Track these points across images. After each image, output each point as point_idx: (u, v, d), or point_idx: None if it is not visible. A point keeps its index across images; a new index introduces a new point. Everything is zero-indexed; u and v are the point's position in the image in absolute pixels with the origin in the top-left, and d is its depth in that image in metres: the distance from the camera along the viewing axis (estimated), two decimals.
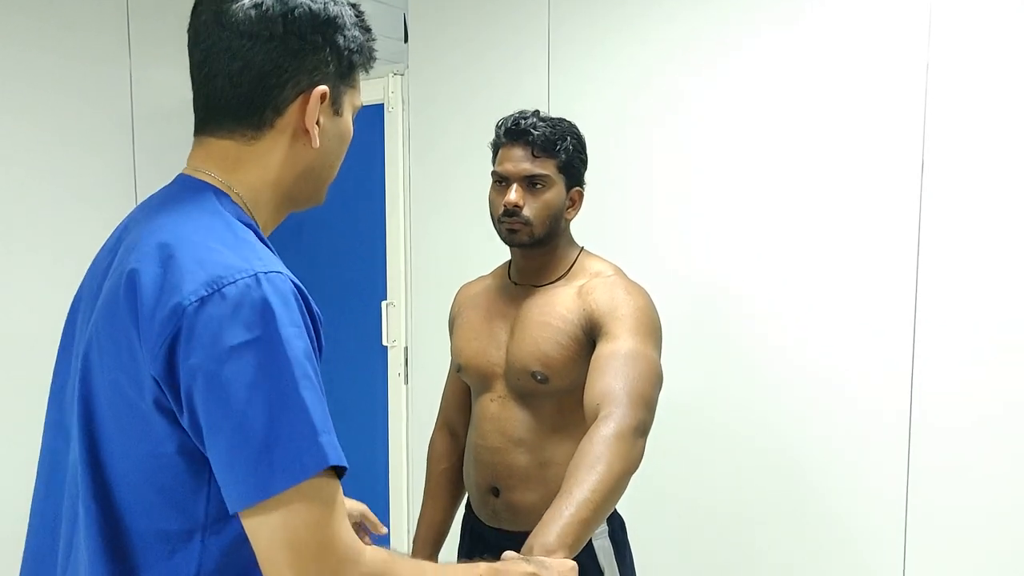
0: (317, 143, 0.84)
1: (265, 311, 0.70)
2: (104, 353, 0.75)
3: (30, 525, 0.88)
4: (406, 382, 2.95)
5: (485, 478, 1.43)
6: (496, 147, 1.45)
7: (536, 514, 1.39)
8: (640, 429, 1.19)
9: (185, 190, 0.83)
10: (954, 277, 1.84)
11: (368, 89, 2.98)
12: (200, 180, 0.84)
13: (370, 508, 3.51)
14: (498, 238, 1.46)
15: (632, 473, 1.17)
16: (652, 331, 1.32)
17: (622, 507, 1.48)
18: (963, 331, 1.84)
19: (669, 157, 2.24)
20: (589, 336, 1.35)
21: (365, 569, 0.72)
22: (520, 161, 1.40)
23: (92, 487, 0.76)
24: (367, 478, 3.19)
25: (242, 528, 0.79)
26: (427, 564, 0.88)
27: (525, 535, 1.42)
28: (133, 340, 0.72)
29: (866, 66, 1.92)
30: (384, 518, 3.11)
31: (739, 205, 2.13)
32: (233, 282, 0.70)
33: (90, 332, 0.78)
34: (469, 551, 1.51)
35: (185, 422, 0.72)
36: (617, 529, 1.44)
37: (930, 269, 1.87)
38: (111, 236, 0.89)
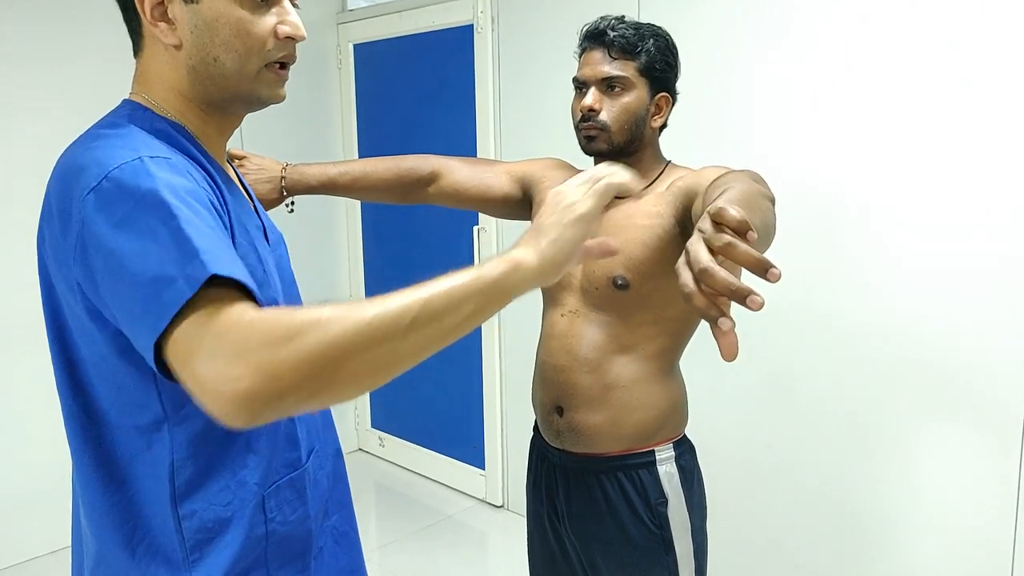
0: (170, 40, 0.82)
1: (140, 182, 0.71)
2: (52, 268, 0.79)
3: None
4: None
5: (550, 396, 1.41)
6: (580, 56, 1.39)
7: (598, 436, 1.37)
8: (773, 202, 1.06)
9: (113, 112, 0.86)
10: None
11: (457, 9, 2.92)
12: (128, 99, 0.87)
13: (464, 438, 3.51)
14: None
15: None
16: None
17: (698, 432, 1.43)
18: None
19: (771, 74, 2.08)
20: (684, 218, 1.27)
21: (286, 320, 0.64)
22: (598, 64, 1.33)
23: (70, 385, 0.81)
24: (461, 407, 3.25)
25: (206, 418, 0.81)
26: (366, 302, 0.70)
27: (587, 457, 1.40)
28: (61, 251, 0.75)
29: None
30: (479, 450, 3.17)
31: (843, 126, 1.96)
32: (118, 166, 0.72)
33: (44, 251, 0.82)
34: (535, 472, 1.51)
35: (107, 313, 0.74)
36: (685, 453, 1.38)
37: None
38: None
